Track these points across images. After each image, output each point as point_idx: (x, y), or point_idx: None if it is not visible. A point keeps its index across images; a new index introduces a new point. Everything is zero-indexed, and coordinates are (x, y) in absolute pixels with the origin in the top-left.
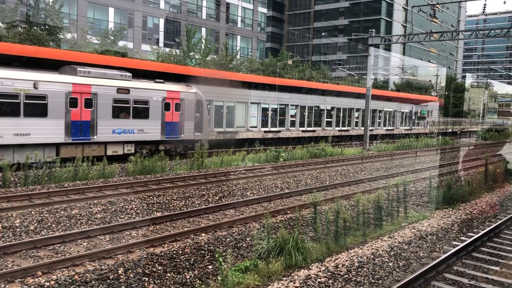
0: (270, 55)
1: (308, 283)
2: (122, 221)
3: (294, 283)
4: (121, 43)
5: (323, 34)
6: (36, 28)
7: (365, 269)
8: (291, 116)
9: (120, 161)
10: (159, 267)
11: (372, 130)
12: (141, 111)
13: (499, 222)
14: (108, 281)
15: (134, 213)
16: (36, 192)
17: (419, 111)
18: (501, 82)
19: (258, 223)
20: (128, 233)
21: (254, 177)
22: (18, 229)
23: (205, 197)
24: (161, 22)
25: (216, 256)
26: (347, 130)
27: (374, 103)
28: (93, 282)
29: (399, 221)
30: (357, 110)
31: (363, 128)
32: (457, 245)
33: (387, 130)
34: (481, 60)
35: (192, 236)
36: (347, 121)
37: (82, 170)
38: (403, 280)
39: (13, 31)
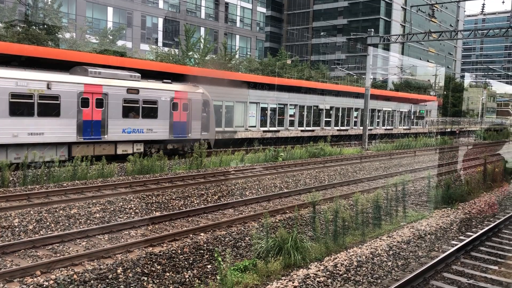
0: (269, 55)
1: (307, 282)
2: (121, 221)
3: (293, 283)
4: (120, 43)
5: (322, 33)
6: (34, 27)
7: (364, 269)
8: (290, 115)
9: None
10: (158, 267)
11: (371, 129)
12: (150, 111)
13: (498, 221)
14: (107, 280)
15: (133, 213)
16: (35, 192)
17: (418, 111)
18: (500, 81)
19: (257, 223)
20: (127, 232)
21: (253, 177)
22: (17, 229)
23: (204, 196)
24: (160, 21)
25: (215, 255)
26: (346, 130)
27: (373, 103)
28: (92, 281)
29: (398, 221)
30: (356, 109)
31: (362, 127)
32: (456, 245)
33: (386, 129)
34: (480, 59)
35: (191, 235)
36: (346, 121)
37: (81, 169)
38: (402, 280)
39: (12, 31)
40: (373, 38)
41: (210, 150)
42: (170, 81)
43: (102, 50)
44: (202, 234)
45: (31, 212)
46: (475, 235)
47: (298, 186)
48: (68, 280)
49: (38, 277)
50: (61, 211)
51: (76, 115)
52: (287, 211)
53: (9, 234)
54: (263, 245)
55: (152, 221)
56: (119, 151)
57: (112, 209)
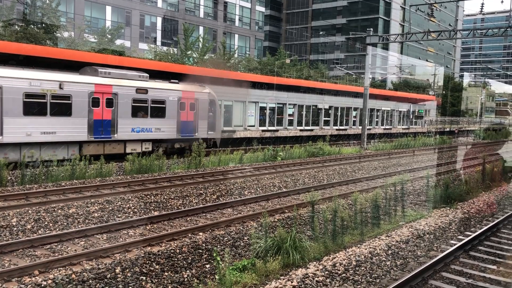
0: (268, 54)
1: (306, 282)
2: (119, 220)
3: (291, 282)
4: (118, 42)
5: (321, 33)
6: (33, 26)
7: (362, 268)
8: (289, 115)
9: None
10: (157, 266)
11: (369, 129)
12: (158, 111)
13: (497, 221)
14: (106, 280)
15: (131, 212)
16: (33, 191)
17: (416, 110)
18: (499, 81)
19: (256, 222)
20: (126, 232)
21: (252, 176)
22: (15, 228)
23: (202, 196)
24: (159, 20)
25: (214, 255)
26: (345, 129)
27: (372, 102)
28: (90, 281)
29: (396, 220)
30: (355, 109)
31: (360, 127)
32: (455, 244)
33: (384, 129)
34: (479, 59)
35: (189, 235)
36: (345, 120)
37: (79, 169)
38: (401, 279)
39: (10, 30)
40: (372, 38)
41: (208, 149)
42: (177, 81)
43: (101, 49)
44: (200, 233)
45: (29, 211)
46: (474, 235)
47: (297, 186)
48: (67, 279)
49: (36, 277)
50: (59, 211)
51: (87, 114)
52: (286, 211)
53: (7, 234)
54: (262, 244)
55: (150, 221)
56: (128, 150)
57: (110, 208)
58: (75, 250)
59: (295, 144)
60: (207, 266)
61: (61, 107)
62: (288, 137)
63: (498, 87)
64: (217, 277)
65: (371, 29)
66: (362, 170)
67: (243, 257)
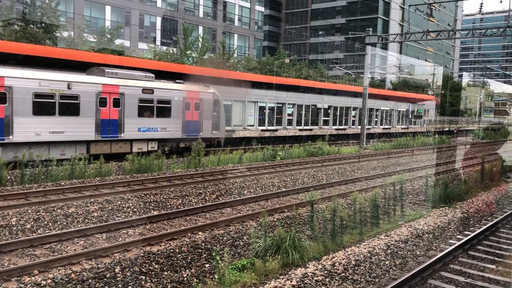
0: (267, 54)
1: (305, 281)
2: (119, 220)
3: (291, 282)
4: (118, 41)
5: (320, 33)
6: (32, 26)
7: (361, 268)
8: (288, 114)
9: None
10: (156, 266)
11: (369, 128)
12: (164, 110)
13: (496, 220)
14: (105, 279)
15: (131, 212)
16: (33, 191)
17: (415, 110)
18: (498, 81)
19: (255, 222)
20: (125, 231)
21: (251, 176)
22: (15, 228)
23: (202, 195)
24: (158, 20)
25: (213, 254)
26: (344, 129)
27: (371, 102)
28: (90, 280)
29: (395, 220)
30: (354, 109)
31: (360, 126)
32: (454, 244)
33: (384, 128)
34: (478, 59)
35: (189, 234)
36: (344, 120)
37: (79, 168)
38: (400, 279)
39: (9, 29)
40: (371, 37)
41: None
42: (182, 81)
43: (100, 49)
44: (200, 233)
45: (29, 211)
46: (472, 234)
47: (296, 185)
48: (66, 279)
49: (35, 276)
50: (59, 210)
51: (95, 114)
52: (285, 210)
53: (7, 233)
54: (261, 244)
55: (150, 220)
56: (135, 149)
57: (110, 208)
58: (75, 249)
59: (294, 144)
60: (207, 265)
61: (69, 107)
62: (287, 136)
63: (497, 86)
64: (216, 276)
65: (370, 29)
66: (361, 170)
67: (243, 257)
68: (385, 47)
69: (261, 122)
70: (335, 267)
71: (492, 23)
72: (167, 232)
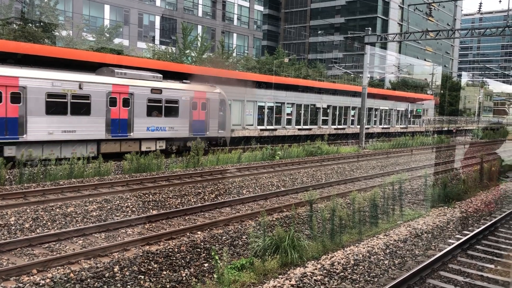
0: (266, 53)
1: (304, 281)
2: (117, 219)
3: (290, 281)
4: (116, 41)
5: (319, 32)
6: (31, 25)
7: (360, 267)
8: (287, 114)
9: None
10: (155, 265)
11: (368, 128)
12: (172, 110)
13: (494, 220)
14: (104, 279)
15: (129, 211)
16: (31, 190)
17: (414, 110)
18: (497, 81)
19: (254, 221)
20: (124, 231)
21: (250, 175)
22: (13, 227)
23: (201, 195)
24: (157, 19)
25: (212, 254)
26: (343, 128)
27: (370, 102)
28: (88, 280)
29: (394, 219)
30: (353, 108)
31: (359, 126)
32: (452, 243)
33: (383, 128)
34: (477, 59)
35: (188, 234)
36: (343, 119)
37: (78, 168)
38: (399, 278)
39: (8, 28)
40: (370, 37)
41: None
42: (188, 81)
43: (99, 48)
44: (199, 232)
45: (28, 210)
46: (471, 234)
47: (295, 185)
48: (65, 278)
49: (34, 276)
50: (57, 210)
51: (105, 114)
52: (284, 210)
53: (5, 233)
54: (260, 243)
55: (149, 220)
56: (143, 148)
57: (108, 207)
58: (74, 249)
59: (293, 143)
60: (206, 265)
61: (81, 106)
62: (286, 136)
63: (496, 86)
64: (215, 276)
65: (370, 28)
66: (360, 169)
67: (242, 256)
68: (384, 46)
69: (260, 122)
70: (334, 267)
71: (491, 22)
72: (166, 231)
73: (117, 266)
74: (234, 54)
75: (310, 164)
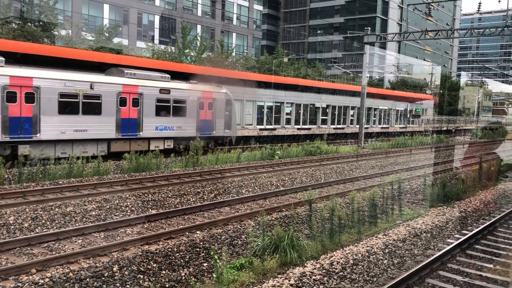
0: (266, 53)
1: (303, 280)
2: (117, 219)
3: (289, 281)
4: (116, 40)
5: (318, 32)
6: (30, 24)
7: (359, 267)
8: (287, 114)
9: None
10: (154, 265)
11: (367, 128)
12: (179, 110)
13: (493, 219)
14: (103, 278)
15: (129, 211)
16: (30, 190)
17: (414, 109)
18: (496, 80)
19: (253, 221)
20: (123, 230)
21: (249, 175)
22: (12, 227)
23: (200, 194)
24: (156, 19)
25: (211, 253)
26: (342, 128)
27: (369, 101)
28: (87, 279)
29: (393, 219)
30: (352, 108)
31: (358, 126)
32: (452, 243)
33: (382, 128)
34: (476, 58)
35: (187, 233)
36: (342, 119)
37: (77, 167)
38: (398, 278)
39: (7, 27)
40: (369, 37)
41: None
42: (196, 82)
43: (98, 48)
44: (198, 232)
45: (27, 209)
46: (470, 233)
47: (294, 184)
48: (64, 278)
49: (33, 275)
50: (56, 209)
51: (115, 113)
52: (284, 209)
53: (4, 232)
54: (259, 243)
55: (148, 219)
56: (152, 147)
57: (108, 207)
58: (73, 248)
59: (292, 143)
60: (205, 264)
61: (92, 106)
62: (285, 136)
63: (495, 86)
64: (214, 275)
65: (369, 28)
66: (359, 169)
67: (241, 256)
68: (383, 46)
69: (260, 121)
70: (333, 266)
71: (490, 22)
72: (165, 231)
73: (116, 266)
74: (234, 54)
75: (309, 163)
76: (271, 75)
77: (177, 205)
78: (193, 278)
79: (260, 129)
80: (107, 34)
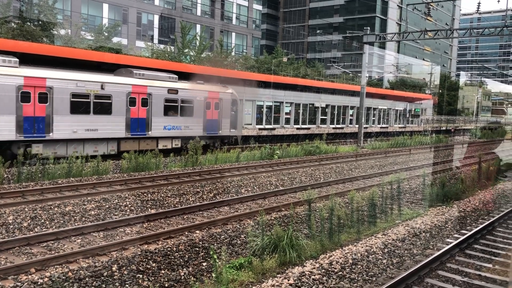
0: (265, 53)
1: (302, 280)
2: (116, 218)
3: (288, 280)
4: (115, 40)
5: (318, 31)
6: (29, 23)
7: (359, 266)
8: (286, 113)
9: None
10: (153, 264)
11: (366, 127)
12: (187, 110)
13: (492, 219)
14: (102, 278)
15: (128, 210)
16: (30, 189)
17: (413, 109)
18: (495, 80)
19: (253, 221)
20: (122, 230)
21: (248, 174)
22: (11, 226)
23: (199, 194)
24: (156, 18)
25: (211, 253)
26: (342, 128)
27: (369, 101)
28: (87, 279)
29: (393, 219)
30: (352, 107)
31: (357, 125)
32: (451, 243)
33: (381, 128)
34: (475, 58)
35: (186, 233)
36: (341, 119)
37: (76, 166)
38: (397, 277)
39: (6, 27)
40: (369, 36)
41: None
42: (202, 82)
43: (97, 47)
44: (197, 231)
45: (26, 209)
46: (469, 233)
47: (293, 184)
48: (63, 277)
49: (32, 275)
50: (56, 208)
51: (125, 113)
52: (283, 209)
53: (4, 231)
54: (258, 242)
55: (147, 219)
56: (160, 146)
57: (107, 206)
58: (72, 248)
59: (292, 143)
60: (204, 264)
61: (103, 106)
62: (285, 135)
63: (494, 86)
64: (213, 275)
65: (368, 28)
66: (358, 169)
67: (240, 255)
68: (382, 46)
69: (259, 121)
70: (333, 266)
71: (490, 22)
72: (164, 230)
73: (115, 265)
74: (233, 53)
75: (308, 163)
76: (271, 75)
77: (176, 205)
78: (192, 278)
79: (260, 129)
80: (106, 34)
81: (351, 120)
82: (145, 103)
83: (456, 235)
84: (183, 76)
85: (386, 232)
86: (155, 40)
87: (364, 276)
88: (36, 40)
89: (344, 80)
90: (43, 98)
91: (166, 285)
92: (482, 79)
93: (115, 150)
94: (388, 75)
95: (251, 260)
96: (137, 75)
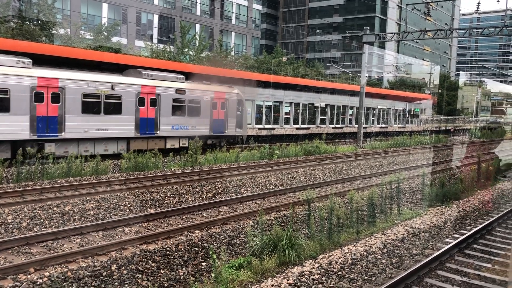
0: (265, 52)
1: (302, 280)
2: (115, 218)
3: (287, 280)
4: (114, 39)
5: (317, 31)
6: (28, 23)
7: (358, 266)
8: (286, 113)
9: (175, 154)
10: (153, 264)
11: (365, 127)
12: (194, 110)
13: (492, 219)
14: (101, 277)
15: (127, 210)
16: (29, 189)
17: (412, 109)
18: (494, 80)
19: (252, 220)
20: (122, 229)
21: (248, 174)
22: (10, 226)
23: (198, 194)
24: (155, 18)
25: (210, 253)
26: (341, 128)
27: (368, 101)
28: (86, 279)
29: (392, 219)
30: (351, 107)
31: (357, 125)
32: (450, 242)
33: (380, 127)
34: (475, 58)
35: (185, 233)
36: (341, 119)
37: (75, 166)
38: (396, 277)
39: (5, 26)
40: (368, 36)
41: (205, 147)
42: (208, 82)
43: (97, 47)
44: (196, 231)
45: (25, 209)
46: (469, 233)
47: (293, 184)
48: (62, 277)
49: (31, 274)
50: (55, 208)
51: (134, 113)
52: (282, 209)
53: (3, 231)
54: (258, 242)
55: (146, 218)
56: (168, 146)
57: (106, 206)
58: (71, 247)
59: (291, 142)
60: (203, 264)
61: (113, 106)
62: (284, 135)
63: (493, 86)
64: (213, 275)
65: (368, 27)
66: (358, 169)
67: (239, 255)
68: (382, 46)
69: (258, 121)
70: (332, 266)
71: (489, 22)
72: (163, 230)
73: (114, 265)
74: (232, 53)
75: (308, 163)
76: (270, 75)
77: (175, 205)
78: (191, 278)
79: (259, 129)
80: (105, 33)
81: (350, 120)
82: (153, 103)
83: (455, 235)
84: (184, 76)
85: (386, 232)
86: (155, 40)
87: (364, 276)
88: (36, 39)
89: (344, 80)
90: (56, 98)
91: (166, 285)
92: (482, 79)
93: (125, 149)
94: (387, 75)
95: (251, 260)
96: (146, 76)
